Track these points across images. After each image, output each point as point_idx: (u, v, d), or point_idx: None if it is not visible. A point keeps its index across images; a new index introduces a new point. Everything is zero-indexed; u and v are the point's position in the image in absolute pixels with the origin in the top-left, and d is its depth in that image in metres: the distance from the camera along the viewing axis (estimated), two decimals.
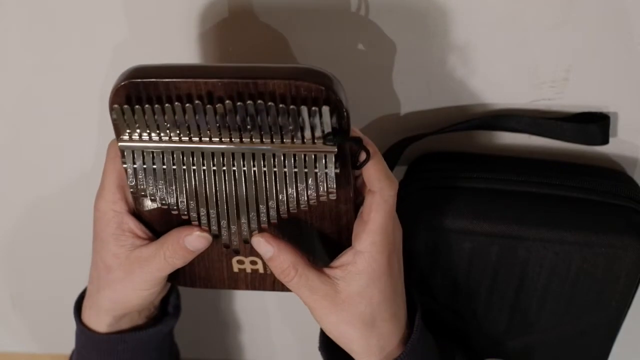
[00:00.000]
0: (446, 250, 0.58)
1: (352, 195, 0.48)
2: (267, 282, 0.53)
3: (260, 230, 0.50)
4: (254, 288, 0.54)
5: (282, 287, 0.52)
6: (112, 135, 0.50)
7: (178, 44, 0.58)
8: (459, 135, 0.60)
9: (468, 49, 0.56)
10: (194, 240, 0.50)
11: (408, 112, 0.61)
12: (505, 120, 0.59)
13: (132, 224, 0.51)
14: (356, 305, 0.49)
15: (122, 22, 0.57)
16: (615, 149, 0.61)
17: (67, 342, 0.61)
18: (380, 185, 0.47)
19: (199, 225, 0.50)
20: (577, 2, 0.53)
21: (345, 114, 0.44)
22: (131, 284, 0.51)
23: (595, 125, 0.58)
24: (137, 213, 0.51)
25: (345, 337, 0.50)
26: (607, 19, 0.54)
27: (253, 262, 0.52)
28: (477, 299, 0.61)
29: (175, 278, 0.54)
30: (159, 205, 0.49)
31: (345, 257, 0.49)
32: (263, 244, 0.49)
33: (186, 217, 0.49)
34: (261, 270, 0.53)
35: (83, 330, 0.56)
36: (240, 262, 0.52)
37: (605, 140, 0.59)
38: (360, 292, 0.48)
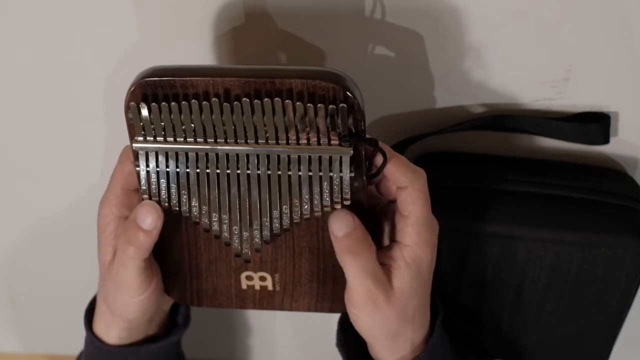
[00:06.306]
0: (446, 250, 0.58)
1: (365, 205, 0.47)
2: (276, 300, 0.52)
3: (273, 237, 0.49)
4: (262, 307, 0.53)
5: (290, 306, 0.52)
6: (120, 140, 0.50)
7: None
8: (459, 135, 0.60)
9: (468, 50, 0.56)
10: (143, 210, 0.47)
11: (409, 112, 0.60)
12: (505, 120, 0.59)
13: None
14: (405, 301, 0.47)
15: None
16: (615, 149, 0.61)
17: (67, 342, 0.61)
18: (409, 178, 0.46)
19: (210, 232, 0.49)
20: (577, 2, 0.53)
21: (361, 115, 0.44)
22: (119, 293, 0.50)
23: (595, 124, 0.58)
24: None
25: (386, 334, 0.48)
26: (607, 19, 0.54)
27: (262, 278, 0.51)
28: (476, 299, 0.61)
29: (183, 297, 0.53)
30: (169, 208, 0.48)
31: (392, 252, 0.47)
32: (346, 216, 0.46)
33: (197, 222, 0.49)
34: (270, 287, 0.52)
35: (93, 340, 0.54)
36: (249, 277, 0.51)
37: (605, 140, 0.59)
38: (412, 286, 0.47)
